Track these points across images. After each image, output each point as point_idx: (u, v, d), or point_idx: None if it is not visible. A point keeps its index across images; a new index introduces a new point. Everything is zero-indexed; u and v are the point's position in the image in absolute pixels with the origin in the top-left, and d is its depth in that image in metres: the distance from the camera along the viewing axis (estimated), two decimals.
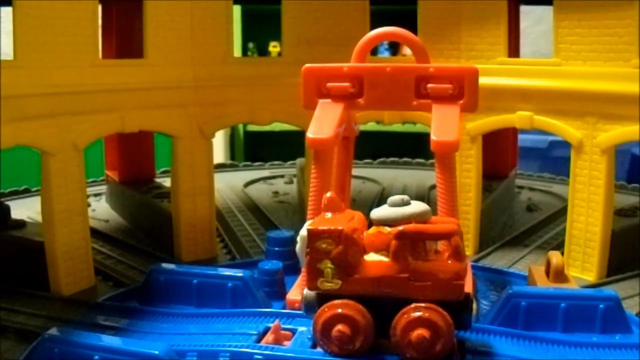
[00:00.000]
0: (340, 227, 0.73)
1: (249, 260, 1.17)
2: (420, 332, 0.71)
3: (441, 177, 0.90)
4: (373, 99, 0.95)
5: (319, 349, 0.76)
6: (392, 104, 0.96)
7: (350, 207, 0.85)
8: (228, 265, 1.14)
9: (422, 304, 0.72)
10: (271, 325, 0.81)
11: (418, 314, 0.72)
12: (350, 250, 0.73)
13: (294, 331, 0.82)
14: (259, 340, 0.80)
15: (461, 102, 0.92)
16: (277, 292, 0.98)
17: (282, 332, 0.81)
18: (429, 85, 0.93)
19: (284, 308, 0.92)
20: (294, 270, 1.01)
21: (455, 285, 0.72)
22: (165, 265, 1.00)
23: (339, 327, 0.73)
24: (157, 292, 0.96)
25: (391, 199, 0.76)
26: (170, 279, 0.96)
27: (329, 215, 0.77)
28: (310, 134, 0.89)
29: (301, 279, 0.94)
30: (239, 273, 0.94)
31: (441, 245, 0.76)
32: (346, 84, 0.94)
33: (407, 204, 0.76)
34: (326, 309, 0.74)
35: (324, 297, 0.74)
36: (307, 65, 0.96)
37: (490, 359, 0.77)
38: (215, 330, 0.85)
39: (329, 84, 0.95)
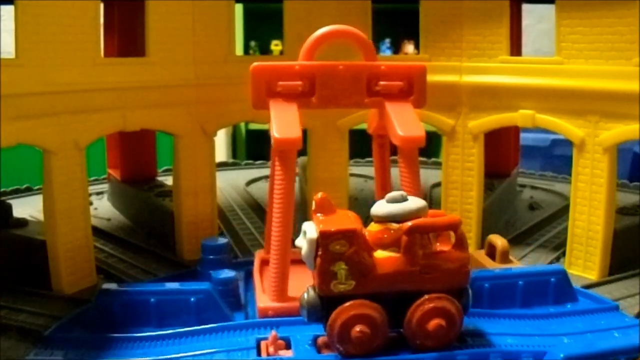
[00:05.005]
0: (353, 227, 0.73)
1: (185, 270, 1.10)
2: (437, 322, 0.73)
3: (406, 172, 0.91)
4: (325, 97, 0.93)
5: (325, 353, 0.75)
6: (344, 102, 0.95)
7: (351, 206, 0.85)
8: (166, 278, 1.05)
9: (434, 295, 0.74)
10: (261, 336, 0.79)
11: (433, 304, 0.73)
12: (363, 249, 0.73)
13: (286, 339, 0.79)
14: (258, 354, 0.77)
15: (411, 98, 0.93)
16: (233, 302, 0.93)
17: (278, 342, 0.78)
18: (381, 82, 0.93)
19: (246, 317, 0.89)
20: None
21: (463, 273, 0.75)
22: (113, 286, 0.89)
23: (359, 327, 0.73)
24: (109, 316, 0.85)
25: (390, 195, 0.77)
26: (125, 299, 0.86)
27: (320, 216, 0.76)
28: (276, 134, 0.86)
29: (260, 284, 0.93)
30: (202, 286, 0.88)
31: (437, 238, 0.78)
32: (298, 82, 0.92)
33: (405, 199, 0.77)
34: (341, 312, 0.73)
35: (331, 300, 0.73)
36: (256, 63, 0.92)
37: (485, 339, 0.79)
38: (204, 348, 0.79)
39: (281, 83, 0.92)
